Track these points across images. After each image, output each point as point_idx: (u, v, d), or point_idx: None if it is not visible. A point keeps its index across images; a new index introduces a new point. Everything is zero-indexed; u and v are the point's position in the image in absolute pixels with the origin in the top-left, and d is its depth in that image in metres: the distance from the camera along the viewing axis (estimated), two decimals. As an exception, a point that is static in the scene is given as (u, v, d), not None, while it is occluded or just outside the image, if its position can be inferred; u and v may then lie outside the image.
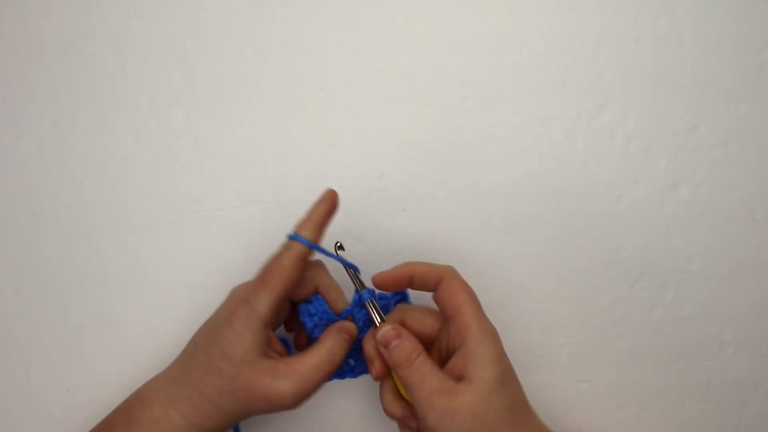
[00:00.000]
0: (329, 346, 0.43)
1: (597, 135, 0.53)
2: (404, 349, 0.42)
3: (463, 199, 0.53)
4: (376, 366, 0.44)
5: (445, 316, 0.44)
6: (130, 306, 0.52)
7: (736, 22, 0.53)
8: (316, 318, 0.45)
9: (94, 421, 0.44)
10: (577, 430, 0.50)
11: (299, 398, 0.41)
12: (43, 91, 0.54)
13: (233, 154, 0.53)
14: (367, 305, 0.45)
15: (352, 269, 0.46)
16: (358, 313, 0.46)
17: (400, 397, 0.44)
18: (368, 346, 0.45)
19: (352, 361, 0.47)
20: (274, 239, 0.50)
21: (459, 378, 0.41)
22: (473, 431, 0.39)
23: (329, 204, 0.45)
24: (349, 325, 0.45)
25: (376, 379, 0.45)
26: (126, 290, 0.52)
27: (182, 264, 0.53)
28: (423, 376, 0.41)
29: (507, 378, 0.41)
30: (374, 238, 0.52)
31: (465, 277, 0.47)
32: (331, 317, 0.45)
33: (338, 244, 0.47)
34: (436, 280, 0.44)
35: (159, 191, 0.53)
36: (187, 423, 0.41)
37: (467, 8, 0.54)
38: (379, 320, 0.45)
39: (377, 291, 0.46)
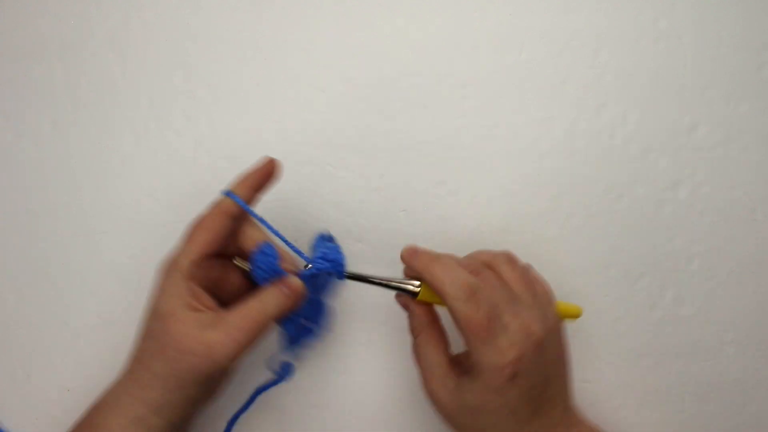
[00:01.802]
0: (262, 297, 0.41)
1: (597, 135, 0.53)
2: (411, 322, 0.44)
3: (463, 199, 0.53)
4: (415, 311, 0.44)
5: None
6: (130, 306, 0.52)
7: (736, 22, 0.53)
8: (261, 272, 0.42)
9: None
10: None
11: (227, 348, 0.39)
12: (43, 91, 0.54)
13: (233, 154, 0.53)
14: (368, 281, 0.44)
15: (278, 236, 0.45)
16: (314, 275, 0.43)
17: (434, 349, 0.43)
18: (405, 302, 0.45)
19: (302, 320, 0.45)
20: (274, 239, 0.50)
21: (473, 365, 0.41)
22: (476, 422, 0.40)
23: (265, 169, 0.44)
24: (293, 281, 0.42)
25: (414, 326, 0.44)
26: (126, 290, 0.52)
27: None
28: (421, 356, 0.42)
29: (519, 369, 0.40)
30: (374, 238, 0.52)
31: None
32: (279, 272, 0.43)
33: (327, 234, 0.46)
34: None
35: (159, 191, 0.53)
36: (133, 399, 0.40)
37: (467, 8, 0.54)
38: (397, 283, 0.44)
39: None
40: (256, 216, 0.43)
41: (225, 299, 0.43)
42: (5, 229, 0.53)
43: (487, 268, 0.42)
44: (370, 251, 0.52)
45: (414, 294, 0.44)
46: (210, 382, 0.41)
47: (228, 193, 0.43)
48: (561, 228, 0.52)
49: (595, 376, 0.51)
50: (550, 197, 0.53)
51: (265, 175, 0.44)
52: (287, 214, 0.52)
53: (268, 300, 0.41)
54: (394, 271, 0.52)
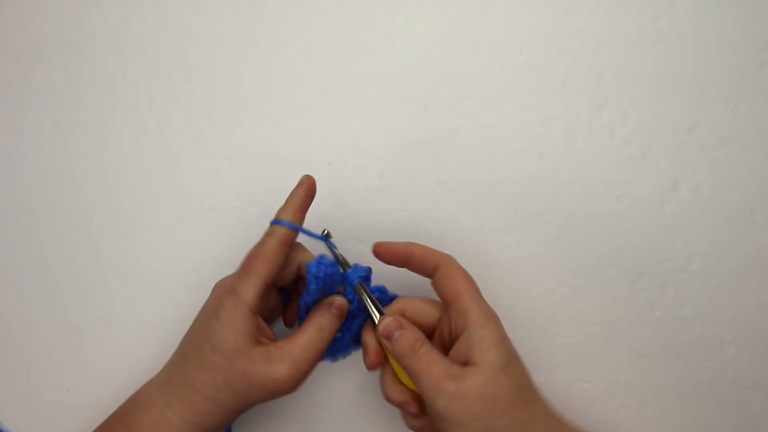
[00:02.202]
0: (317, 324, 0.43)
1: (597, 135, 0.53)
2: (408, 338, 0.42)
3: (463, 199, 0.53)
4: (371, 356, 0.45)
5: (444, 302, 0.44)
6: (130, 306, 0.52)
7: (736, 22, 0.53)
8: (316, 281, 0.44)
9: (95, 422, 0.44)
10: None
11: (295, 380, 0.41)
12: (43, 91, 0.54)
13: (233, 154, 0.53)
14: (363, 298, 0.45)
15: (334, 249, 0.46)
16: (350, 287, 0.46)
17: (399, 382, 0.45)
18: (366, 337, 0.45)
19: (339, 334, 0.46)
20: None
21: (464, 363, 0.41)
22: (483, 413, 0.39)
23: (307, 188, 0.45)
24: (340, 300, 0.45)
25: (369, 368, 0.45)
26: (126, 290, 0.52)
27: (182, 264, 0.53)
28: (429, 364, 0.41)
29: (512, 359, 0.42)
30: (374, 238, 0.52)
31: (465, 277, 0.47)
32: (336, 281, 0.45)
33: (325, 231, 0.46)
34: (433, 265, 0.44)
35: (159, 191, 0.53)
36: (185, 423, 0.41)
37: (467, 8, 0.54)
38: (377, 313, 0.45)
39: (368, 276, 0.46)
40: (314, 235, 0.45)
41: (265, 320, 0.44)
42: (5, 229, 0.53)
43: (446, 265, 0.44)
44: (370, 251, 0.52)
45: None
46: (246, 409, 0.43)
47: (279, 222, 0.43)
48: (561, 228, 0.52)
49: (595, 376, 0.51)
50: (550, 197, 0.53)
51: (308, 194, 0.45)
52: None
53: (324, 326, 0.43)
54: (396, 271, 0.52)
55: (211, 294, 0.44)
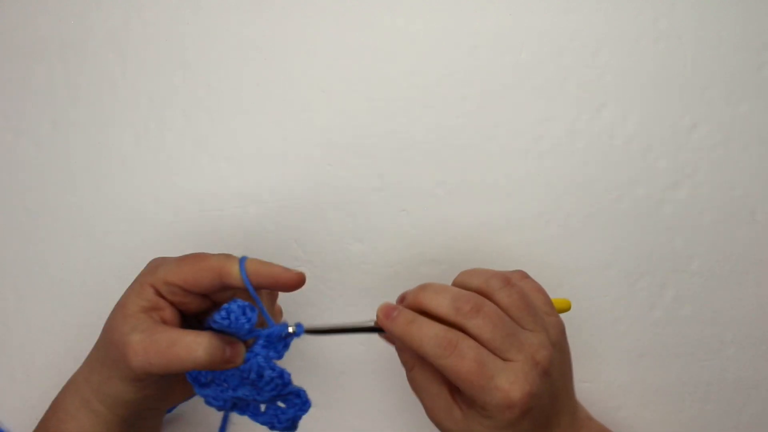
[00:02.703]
0: (200, 339, 0.37)
1: (597, 135, 0.53)
2: (405, 314, 0.40)
3: (463, 199, 0.53)
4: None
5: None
6: (130, 306, 0.52)
7: (736, 22, 0.53)
8: (226, 323, 0.39)
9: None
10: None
11: (139, 358, 0.37)
12: (43, 91, 0.54)
13: (233, 154, 0.53)
14: (335, 332, 0.42)
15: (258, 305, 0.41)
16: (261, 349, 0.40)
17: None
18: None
19: (210, 377, 0.41)
20: (274, 239, 0.50)
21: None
22: None
23: (291, 279, 0.40)
24: (240, 348, 0.39)
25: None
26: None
27: (182, 264, 0.52)
28: (422, 341, 0.39)
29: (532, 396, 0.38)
30: (374, 238, 0.52)
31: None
32: (241, 334, 0.40)
33: (293, 328, 0.41)
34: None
35: (159, 191, 0.53)
36: (82, 380, 0.42)
37: (467, 8, 0.54)
38: (362, 326, 0.42)
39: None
40: (254, 295, 0.40)
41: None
42: (5, 229, 0.53)
43: (481, 301, 0.40)
44: (370, 251, 0.52)
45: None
46: (137, 386, 0.40)
47: (242, 261, 0.40)
48: (561, 228, 0.52)
49: (595, 376, 0.51)
50: (550, 197, 0.53)
51: (286, 283, 0.40)
52: (287, 215, 0.52)
53: (204, 346, 0.37)
54: (395, 271, 0.52)
55: None
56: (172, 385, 0.43)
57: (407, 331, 0.39)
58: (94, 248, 0.53)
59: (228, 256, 0.40)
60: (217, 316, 0.38)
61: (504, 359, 0.38)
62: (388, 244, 0.52)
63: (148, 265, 0.42)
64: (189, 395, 0.45)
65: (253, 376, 0.40)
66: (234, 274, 0.40)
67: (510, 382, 0.37)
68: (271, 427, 0.42)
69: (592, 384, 0.51)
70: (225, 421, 0.48)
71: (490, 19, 0.54)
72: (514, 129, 0.53)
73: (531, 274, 0.52)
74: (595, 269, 0.52)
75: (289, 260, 0.52)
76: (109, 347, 0.40)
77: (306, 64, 0.54)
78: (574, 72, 0.53)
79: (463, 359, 0.37)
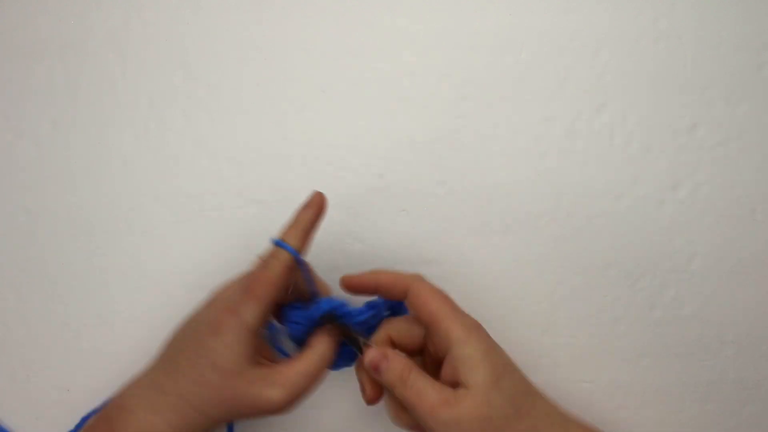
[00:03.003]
0: (319, 351, 0.43)
1: (597, 135, 0.53)
2: (394, 369, 0.41)
3: (463, 199, 0.53)
4: (368, 391, 0.44)
5: (423, 324, 0.44)
6: (130, 306, 0.52)
7: (736, 22, 0.53)
8: (299, 326, 0.44)
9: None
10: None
11: (290, 404, 0.41)
12: (43, 91, 0.54)
13: (233, 154, 0.53)
14: (353, 335, 0.44)
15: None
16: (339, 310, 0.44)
17: (404, 408, 0.44)
18: (359, 374, 0.45)
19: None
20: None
21: (454, 384, 0.41)
22: None
23: (316, 208, 0.44)
24: (333, 329, 0.44)
25: (369, 403, 0.44)
26: (126, 290, 0.52)
27: (182, 264, 0.53)
28: (419, 392, 0.40)
29: (501, 372, 0.41)
30: (374, 238, 0.52)
31: (465, 278, 0.47)
32: (313, 318, 0.44)
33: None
34: (402, 289, 0.44)
35: (159, 191, 0.53)
36: (171, 430, 0.41)
37: (467, 8, 0.54)
38: (362, 341, 0.44)
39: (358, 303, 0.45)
40: (305, 271, 0.44)
41: None
42: (5, 229, 0.53)
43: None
44: (370, 251, 0.52)
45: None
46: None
47: (281, 244, 0.43)
48: (561, 228, 0.52)
49: (595, 376, 0.51)
50: (550, 197, 0.53)
51: (316, 215, 0.44)
52: (287, 215, 0.52)
53: (324, 353, 0.43)
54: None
55: (209, 304, 0.43)
56: None
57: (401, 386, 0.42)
58: (94, 248, 0.53)
59: (275, 254, 0.43)
60: (290, 331, 0.44)
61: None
62: (388, 244, 0.52)
63: (221, 322, 0.41)
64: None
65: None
66: (292, 258, 0.43)
67: (465, 314, 0.42)
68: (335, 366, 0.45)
69: (592, 384, 0.51)
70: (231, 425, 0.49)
71: (490, 19, 0.54)
72: (514, 129, 0.53)
73: (531, 274, 0.52)
74: (595, 269, 0.52)
75: (289, 260, 0.52)
76: (235, 407, 0.41)
77: (306, 64, 0.54)
78: (574, 72, 0.53)
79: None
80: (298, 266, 0.43)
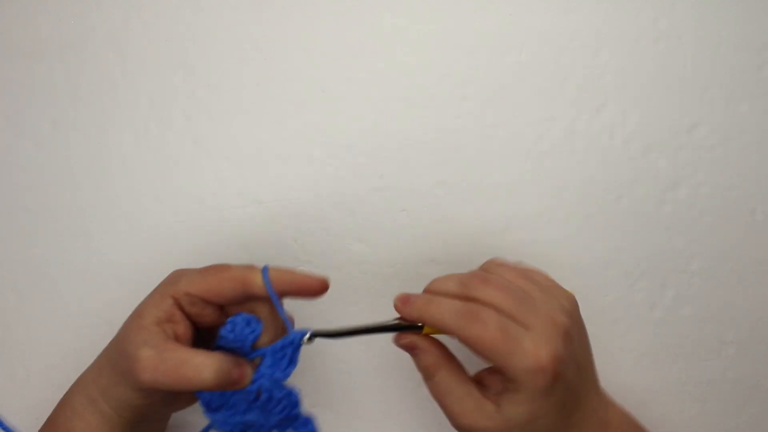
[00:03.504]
0: (208, 361, 0.38)
1: (597, 135, 0.53)
2: (425, 361, 0.40)
3: (463, 199, 0.53)
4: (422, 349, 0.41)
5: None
6: (130, 306, 0.52)
7: (736, 22, 0.53)
8: (232, 336, 0.41)
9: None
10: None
11: (147, 374, 0.37)
12: (43, 91, 0.54)
13: (233, 154, 0.53)
14: (349, 334, 0.41)
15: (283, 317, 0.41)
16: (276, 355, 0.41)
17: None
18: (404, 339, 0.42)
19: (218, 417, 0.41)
20: (274, 239, 0.50)
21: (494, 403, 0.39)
22: None
23: (315, 284, 0.41)
24: (247, 370, 0.40)
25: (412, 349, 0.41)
26: (126, 290, 0.52)
27: (182, 264, 0.52)
28: (445, 394, 0.39)
29: (542, 413, 0.38)
30: (374, 238, 0.52)
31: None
32: (244, 347, 0.40)
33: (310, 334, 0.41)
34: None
35: (159, 191, 0.53)
36: (91, 379, 0.42)
37: (467, 8, 0.54)
38: (380, 327, 0.42)
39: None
40: (276, 303, 0.41)
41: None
42: (5, 229, 0.53)
43: (485, 274, 0.41)
44: (370, 251, 0.52)
45: (419, 329, 0.41)
46: (144, 394, 0.40)
47: (264, 271, 0.40)
48: (561, 228, 0.52)
49: (595, 376, 0.51)
50: (550, 197, 0.53)
51: (310, 290, 0.41)
52: (287, 215, 0.52)
53: (213, 368, 0.38)
54: (395, 271, 0.52)
55: None
56: (179, 393, 0.43)
57: (427, 310, 0.39)
58: (94, 248, 0.53)
59: (251, 267, 0.41)
60: (223, 330, 0.40)
61: (523, 326, 0.37)
62: (388, 244, 0.52)
63: (168, 276, 0.42)
64: (195, 401, 0.44)
65: (263, 396, 0.40)
66: (258, 282, 0.40)
67: (535, 344, 0.37)
68: None
69: (592, 384, 0.51)
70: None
71: (490, 19, 0.54)
72: (514, 129, 0.53)
73: (531, 274, 0.52)
74: (595, 269, 0.52)
75: (289, 260, 0.52)
76: (120, 355, 0.40)
77: (306, 64, 0.54)
78: (574, 72, 0.53)
79: (487, 327, 0.37)
80: (266, 292, 0.40)
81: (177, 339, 0.40)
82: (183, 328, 0.41)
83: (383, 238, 0.52)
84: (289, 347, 0.41)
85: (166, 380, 0.37)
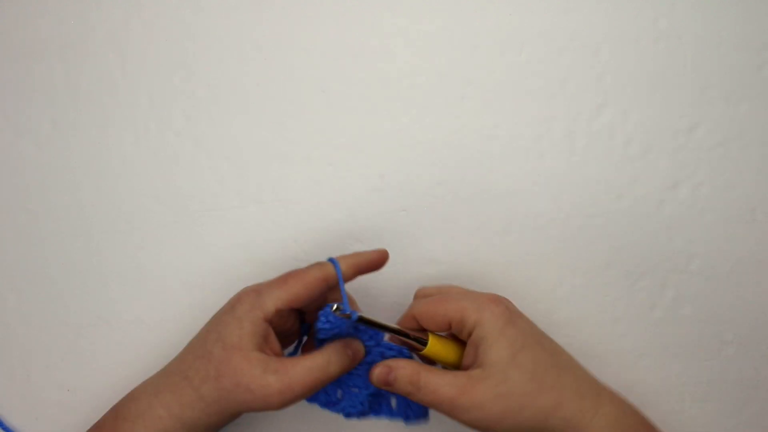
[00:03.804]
0: (327, 355, 0.41)
1: (597, 135, 0.53)
2: (403, 377, 0.42)
3: (463, 199, 0.53)
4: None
5: (447, 328, 0.43)
6: (130, 306, 0.52)
7: (736, 22, 0.53)
8: (329, 325, 0.42)
9: (95, 421, 0.44)
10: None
11: (284, 397, 0.40)
12: (43, 91, 0.54)
13: (233, 154, 0.53)
14: (372, 326, 0.43)
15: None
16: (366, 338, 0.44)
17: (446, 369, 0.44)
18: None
19: (356, 389, 0.45)
20: (274, 239, 0.50)
21: (474, 365, 0.41)
22: (505, 414, 0.39)
23: (377, 258, 0.45)
24: (357, 344, 0.43)
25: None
26: (126, 290, 0.52)
27: (182, 264, 0.53)
28: (435, 390, 0.40)
29: (520, 347, 0.41)
30: (374, 238, 0.52)
31: (465, 278, 0.47)
32: (344, 327, 0.43)
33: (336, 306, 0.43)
34: (413, 324, 0.44)
35: (159, 191, 0.53)
36: (167, 414, 0.40)
37: (467, 8, 0.54)
38: (395, 335, 0.44)
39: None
40: (344, 296, 0.43)
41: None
42: (5, 229, 0.53)
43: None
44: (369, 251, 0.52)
45: (422, 345, 0.43)
46: (228, 419, 0.42)
47: (334, 261, 0.44)
48: (561, 228, 0.52)
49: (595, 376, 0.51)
50: (550, 197, 0.53)
51: (375, 265, 0.45)
52: (287, 215, 0.52)
53: (333, 359, 0.41)
54: (395, 271, 0.52)
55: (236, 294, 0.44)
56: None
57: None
58: (94, 248, 0.53)
59: (320, 264, 0.43)
60: (319, 324, 0.42)
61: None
62: (388, 244, 0.52)
63: (241, 297, 0.42)
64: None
65: (378, 358, 0.43)
66: (334, 276, 0.43)
67: (481, 294, 0.43)
68: (407, 420, 0.45)
69: (592, 384, 0.51)
70: None
71: (490, 19, 0.54)
72: (514, 129, 0.53)
73: (531, 274, 0.52)
74: (595, 269, 0.52)
75: (289, 260, 0.52)
76: (229, 389, 0.40)
77: (306, 64, 0.54)
78: (574, 72, 0.53)
79: (447, 304, 0.42)
80: (337, 284, 0.43)
81: (276, 354, 0.42)
82: (274, 341, 0.42)
83: (383, 238, 0.52)
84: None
85: (300, 394, 0.40)
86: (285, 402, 0.40)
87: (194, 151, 0.53)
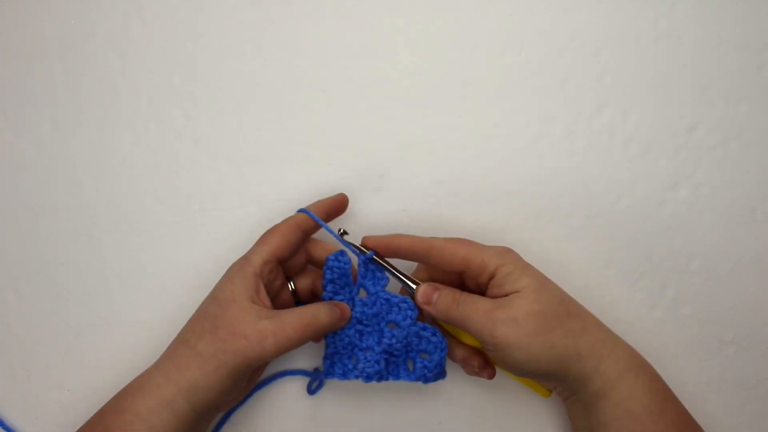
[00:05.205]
0: (316, 307, 0.45)
1: (597, 135, 0.53)
2: (446, 296, 0.45)
3: (463, 199, 0.53)
4: (477, 364, 0.46)
5: (458, 271, 0.46)
6: (130, 306, 0.52)
7: (736, 22, 0.53)
8: (330, 272, 0.46)
9: (94, 421, 0.44)
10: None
11: (278, 339, 0.42)
12: (43, 91, 0.54)
13: (233, 154, 0.53)
14: (390, 271, 0.47)
15: (349, 246, 0.48)
16: (369, 283, 0.48)
17: (459, 343, 0.47)
18: (461, 354, 0.47)
19: (354, 359, 0.47)
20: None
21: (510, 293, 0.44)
22: (538, 330, 0.42)
23: (338, 200, 0.49)
24: (344, 306, 0.46)
25: (489, 377, 0.47)
26: (126, 290, 0.52)
27: (182, 264, 0.53)
28: (474, 305, 0.43)
29: (544, 279, 0.45)
30: (374, 238, 0.52)
31: (465, 277, 0.47)
32: (347, 275, 0.47)
33: (341, 230, 0.48)
34: (421, 251, 0.46)
35: (159, 191, 0.53)
36: (165, 380, 0.42)
37: (467, 8, 0.54)
38: (411, 283, 0.47)
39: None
40: (327, 228, 0.48)
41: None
42: (5, 229, 0.53)
43: None
44: (370, 251, 0.52)
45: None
46: (244, 375, 0.43)
47: (303, 210, 0.47)
48: (561, 228, 0.52)
49: (595, 376, 0.51)
50: (550, 197, 0.53)
51: (338, 206, 0.49)
52: (287, 215, 0.52)
53: (322, 309, 0.45)
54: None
55: None
56: (246, 383, 0.46)
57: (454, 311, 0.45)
58: (94, 248, 0.53)
59: (289, 217, 0.47)
60: (327, 271, 0.46)
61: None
62: (388, 244, 0.52)
63: (235, 265, 0.45)
64: (243, 397, 0.49)
65: (382, 311, 0.47)
66: (305, 219, 0.47)
67: (495, 246, 0.46)
68: (425, 380, 0.46)
69: (592, 384, 0.51)
70: (225, 418, 0.49)
71: (490, 19, 0.54)
72: (514, 129, 0.53)
73: (531, 274, 0.52)
74: (595, 269, 0.52)
75: (289, 260, 0.52)
76: (225, 339, 0.42)
77: (306, 64, 0.54)
78: (574, 72, 0.53)
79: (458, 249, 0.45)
80: (311, 234, 0.47)
81: (267, 306, 0.45)
82: (267, 299, 0.45)
83: (383, 238, 0.52)
84: (369, 264, 0.47)
85: (293, 338, 0.42)
86: (279, 346, 0.42)
87: (194, 151, 0.53)
